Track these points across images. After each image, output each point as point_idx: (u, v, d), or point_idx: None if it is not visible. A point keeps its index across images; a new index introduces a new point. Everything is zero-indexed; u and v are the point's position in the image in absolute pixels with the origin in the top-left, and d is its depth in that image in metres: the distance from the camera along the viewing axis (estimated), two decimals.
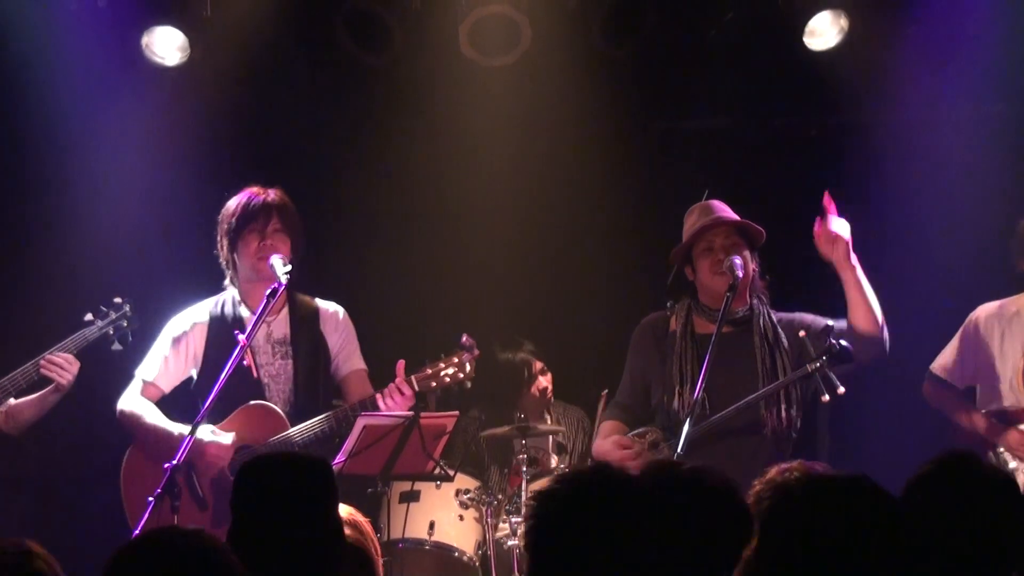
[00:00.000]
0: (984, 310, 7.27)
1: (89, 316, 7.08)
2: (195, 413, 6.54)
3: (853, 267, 6.37)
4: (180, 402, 7.00)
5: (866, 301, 6.39)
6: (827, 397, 6.34)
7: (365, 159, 8.80)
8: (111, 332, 7.08)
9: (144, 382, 6.95)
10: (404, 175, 8.81)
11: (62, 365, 6.87)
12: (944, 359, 7.32)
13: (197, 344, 6.95)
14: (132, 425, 6.88)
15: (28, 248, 8.29)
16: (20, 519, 7.62)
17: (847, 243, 6.34)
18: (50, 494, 8.27)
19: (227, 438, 6.61)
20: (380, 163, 8.81)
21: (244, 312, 6.93)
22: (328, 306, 7.05)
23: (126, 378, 7.13)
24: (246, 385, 6.76)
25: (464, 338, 6.79)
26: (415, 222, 9.00)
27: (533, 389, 8.72)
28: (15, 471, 7.47)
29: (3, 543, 4.43)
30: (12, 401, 7.05)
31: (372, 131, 8.70)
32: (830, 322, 6.50)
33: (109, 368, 7.29)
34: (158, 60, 7.78)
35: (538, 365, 8.75)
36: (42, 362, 6.88)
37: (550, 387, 8.77)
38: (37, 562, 3.89)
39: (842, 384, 6.31)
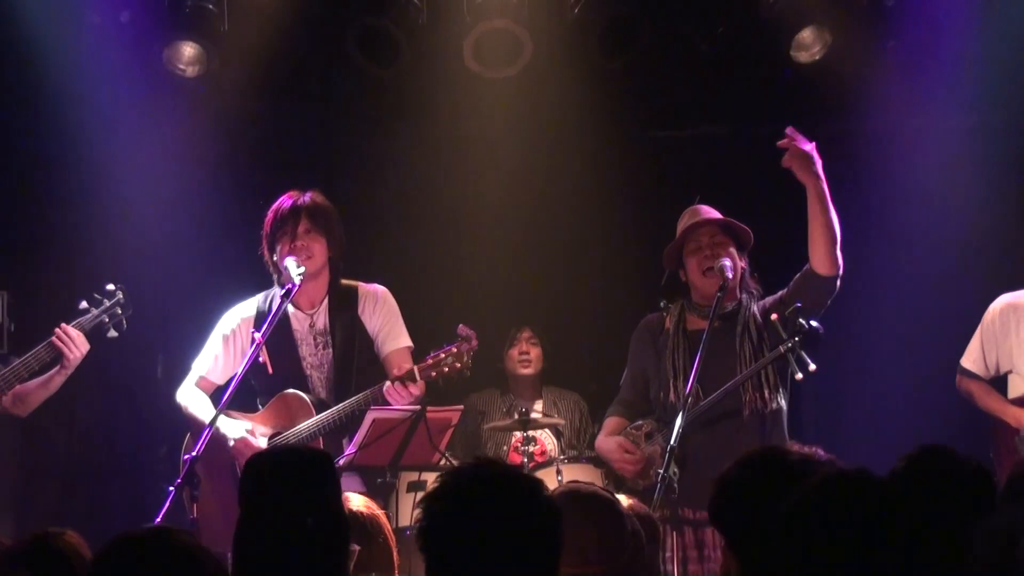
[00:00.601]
0: (1000, 302, 7.28)
1: (84, 304, 6.98)
2: (250, 399, 6.83)
3: (819, 177, 6.42)
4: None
5: (827, 211, 6.43)
6: (800, 375, 6.40)
7: (374, 163, 8.80)
8: (106, 320, 6.96)
9: (199, 376, 6.97)
10: (411, 179, 8.85)
11: (74, 340, 6.79)
12: (969, 352, 7.32)
13: (245, 338, 6.93)
14: (185, 416, 6.92)
15: (58, 252, 8.27)
16: (49, 505, 7.68)
17: (813, 156, 6.41)
18: (75, 481, 8.27)
19: (260, 441, 6.63)
20: (389, 167, 8.82)
21: (289, 308, 6.87)
22: (368, 288, 7.01)
23: (144, 367, 7.15)
24: (293, 375, 6.83)
25: (460, 328, 6.69)
26: (421, 223, 8.98)
27: (514, 352, 8.72)
28: (44, 459, 7.49)
29: (41, 531, 4.47)
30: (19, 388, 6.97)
31: (381, 137, 8.73)
32: (798, 303, 6.48)
33: (132, 358, 7.30)
34: (179, 72, 7.78)
35: (525, 333, 8.74)
36: (56, 331, 6.80)
37: (533, 357, 8.72)
38: (69, 548, 4.00)
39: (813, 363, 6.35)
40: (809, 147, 6.42)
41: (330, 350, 6.91)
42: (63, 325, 6.81)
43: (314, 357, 6.90)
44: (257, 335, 6.58)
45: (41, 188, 8.38)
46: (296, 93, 8.27)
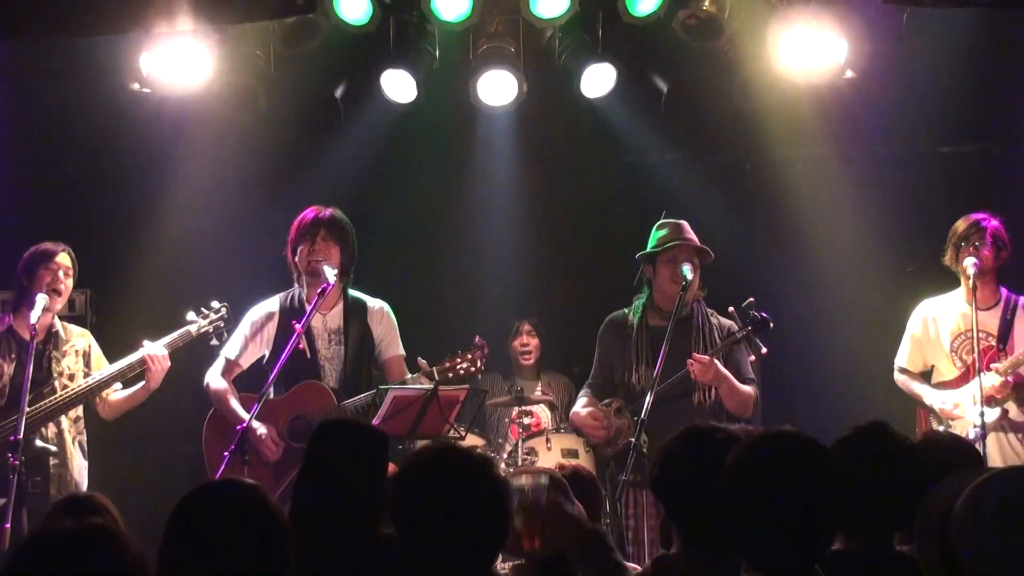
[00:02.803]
0: (923, 307, 7.24)
1: (191, 315, 7.01)
2: (260, 382, 6.65)
3: (723, 379, 6.59)
4: (252, 374, 7.00)
5: (735, 394, 6.66)
6: (754, 357, 6.57)
7: (395, 185, 8.79)
8: (211, 331, 7.00)
9: (227, 360, 6.93)
10: (425, 197, 8.81)
11: (160, 363, 6.76)
12: (902, 352, 7.27)
13: (270, 330, 6.93)
14: (211, 395, 6.90)
15: (134, 256, 8.29)
16: (124, 468, 7.71)
17: (714, 372, 6.54)
18: (147, 448, 8.32)
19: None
20: (408, 188, 8.81)
21: (307, 306, 6.84)
22: (375, 303, 7.01)
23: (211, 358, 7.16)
24: (306, 366, 6.81)
25: (477, 339, 6.83)
26: (434, 236, 9.00)
27: (516, 343, 8.83)
28: (121, 431, 7.49)
29: (74, 495, 4.47)
30: (110, 397, 6.91)
31: (398, 162, 8.72)
32: (751, 299, 6.66)
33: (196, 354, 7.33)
34: (232, 111, 7.70)
35: (526, 326, 8.85)
36: (146, 357, 6.75)
37: (532, 347, 8.84)
38: (99, 510, 3.99)
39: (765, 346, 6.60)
40: (708, 365, 6.54)
41: (342, 347, 6.89)
42: (149, 352, 6.76)
43: (327, 351, 6.88)
44: (297, 325, 6.56)
45: (120, 202, 8.42)
46: (329, 126, 8.25)
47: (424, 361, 6.77)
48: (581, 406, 7.08)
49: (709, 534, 3.47)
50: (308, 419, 6.65)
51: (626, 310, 7.02)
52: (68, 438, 6.82)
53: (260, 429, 6.61)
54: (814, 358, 8.01)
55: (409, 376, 6.77)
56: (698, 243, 6.84)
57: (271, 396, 6.69)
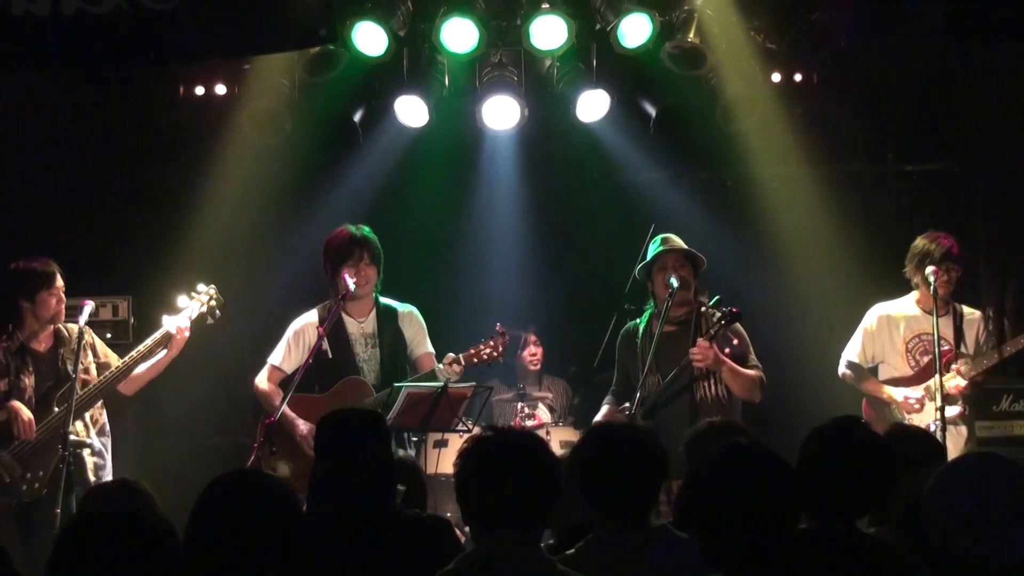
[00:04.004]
0: (876, 309, 7.31)
1: (183, 299, 6.95)
2: (308, 384, 6.79)
3: (723, 363, 6.51)
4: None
5: (737, 377, 6.57)
6: (728, 349, 6.53)
7: (406, 199, 8.69)
8: (205, 311, 6.95)
9: (272, 367, 7.01)
10: (435, 211, 8.74)
11: (183, 333, 6.74)
12: (852, 347, 7.34)
13: (310, 339, 6.94)
14: (260, 397, 7.02)
15: (172, 264, 8.10)
16: (163, 456, 7.74)
17: (713, 356, 6.47)
18: (183, 440, 8.32)
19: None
20: (418, 202, 8.68)
21: (345, 318, 6.95)
22: (404, 307, 7.05)
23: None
24: (349, 365, 6.87)
25: (498, 327, 6.88)
26: (444, 247, 8.97)
27: (525, 353, 8.83)
28: (160, 424, 7.52)
29: (115, 480, 4.49)
30: (138, 369, 6.77)
31: (411, 180, 8.63)
32: (719, 295, 6.65)
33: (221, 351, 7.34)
34: (260, 133, 7.74)
35: (532, 337, 8.85)
36: (175, 326, 6.72)
37: (539, 355, 8.84)
38: (138, 492, 4.03)
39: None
40: (706, 350, 6.47)
41: (377, 350, 6.94)
42: (177, 327, 6.74)
43: (365, 353, 6.93)
44: (320, 329, 6.76)
45: (159, 216, 8.39)
46: (349, 147, 8.27)
47: (452, 355, 6.77)
48: (603, 413, 6.99)
49: None
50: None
51: (638, 320, 6.96)
52: (93, 431, 6.81)
53: (302, 427, 6.67)
54: (786, 354, 8.01)
55: (438, 366, 6.77)
56: (685, 247, 6.82)
57: (321, 395, 6.76)
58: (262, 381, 7.02)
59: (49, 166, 8.31)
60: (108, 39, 5.90)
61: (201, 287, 7.03)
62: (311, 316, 7.05)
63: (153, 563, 2.90)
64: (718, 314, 6.52)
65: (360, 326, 6.98)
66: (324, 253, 6.95)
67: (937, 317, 6.79)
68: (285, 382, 6.96)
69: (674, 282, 6.63)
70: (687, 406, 6.55)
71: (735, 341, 6.60)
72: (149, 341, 6.78)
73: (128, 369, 6.74)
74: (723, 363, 6.52)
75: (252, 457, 6.46)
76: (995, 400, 7.27)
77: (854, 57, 7.62)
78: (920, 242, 7.10)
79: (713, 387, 6.64)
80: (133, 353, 6.75)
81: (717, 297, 6.66)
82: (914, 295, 7.21)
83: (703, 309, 6.72)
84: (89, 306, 6.67)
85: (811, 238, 8.26)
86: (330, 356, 6.88)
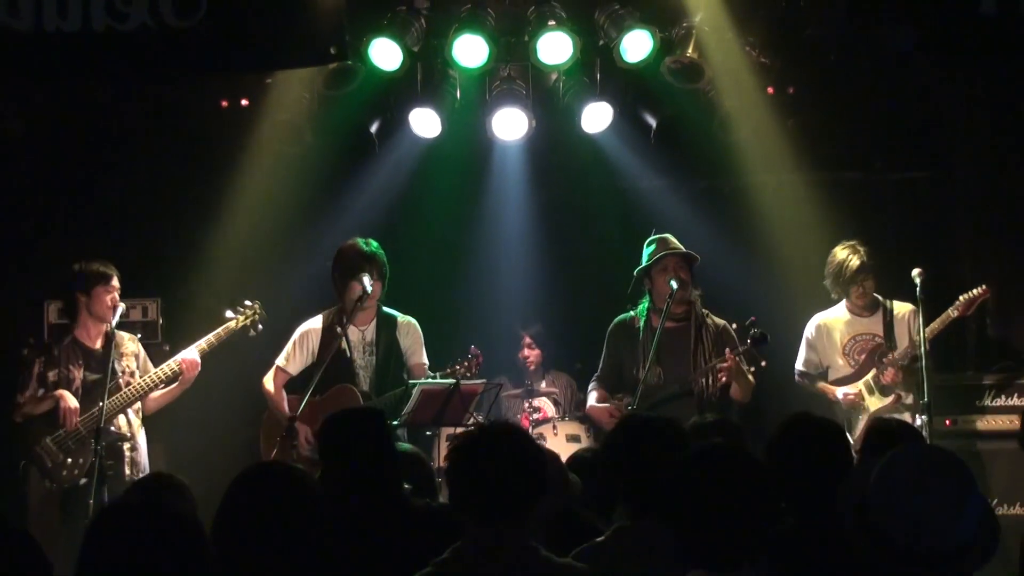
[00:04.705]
0: (814, 319, 7.50)
1: (229, 312, 7.11)
2: (301, 386, 6.85)
3: (743, 375, 6.63)
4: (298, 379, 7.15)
5: (744, 386, 6.68)
6: (754, 369, 6.63)
7: (420, 206, 8.73)
8: (248, 324, 7.12)
9: (277, 367, 7.11)
10: (447, 217, 8.78)
11: (192, 367, 6.87)
12: (800, 358, 7.51)
13: (314, 344, 7.06)
14: (265, 396, 7.11)
15: (197, 267, 8.25)
16: (192, 451, 7.76)
17: (736, 368, 6.59)
18: (209, 433, 8.34)
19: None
20: (432, 209, 8.72)
21: (348, 325, 6.99)
22: (404, 318, 7.11)
23: (259, 355, 7.33)
24: (346, 372, 6.93)
25: (472, 348, 6.94)
26: (456, 250, 8.96)
27: (520, 355, 8.88)
28: (191, 417, 7.56)
29: (154, 473, 4.50)
30: (152, 395, 6.92)
31: (425, 187, 8.62)
32: (753, 317, 6.74)
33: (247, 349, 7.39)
34: (282, 143, 7.75)
35: (527, 340, 8.89)
36: (183, 362, 6.85)
37: (532, 357, 8.87)
38: (174, 486, 4.09)
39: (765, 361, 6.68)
40: (735, 362, 6.60)
41: (374, 358, 7.00)
42: (182, 358, 6.87)
43: (362, 360, 6.98)
44: (339, 330, 6.83)
45: (186, 222, 8.40)
46: (366, 156, 8.27)
47: (428, 373, 6.89)
48: (595, 400, 7.09)
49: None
50: None
51: (632, 313, 7.04)
52: (136, 427, 6.96)
53: (300, 430, 6.68)
54: (780, 353, 8.01)
55: (428, 375, 6.87)
56: (683, 249, 6.90)
57: (318, 398, 6.77)
58: (268, 381, 7.10)
59: (85, 175, 8.33)
60: (135, 54, 5.96)
61: (247, 303, 7.16)
62: (315, 322, 7.13)
63: (177, 555, 2.88)
64: (752, 331, 6.62)
65: (361, 333, 7.02)
66: (334, 264, 7.04)
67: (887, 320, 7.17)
68: (291, 382, 7.06)
69: (674, 285, 6.71)
70: (689, 401, 6.64)
71: (763, 363, 6.69)
72: (168, 369, 6.88)
73: (151, 390, 6.87)
74: (743, 374, 6.64)
75: (274, 451, 6.53)
76: (979, 395, 7.45)
77: (843, 71, 7.62)
78: (837, 258, 7.31)
79: (711, 386, 6.72)
80: (154, 376, 6.87)
81: (752, 318, 6.74)
82: (843, 302, 7.42)
83: (703, 315, 6.86)
84: (120, 307, 6.82)
85: (803, 242, 8.24)
86: (349, 355, 6.93)
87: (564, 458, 4.73)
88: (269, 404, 7.07)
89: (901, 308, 7.32)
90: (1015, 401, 7.32)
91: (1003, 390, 7.36)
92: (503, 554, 3.38)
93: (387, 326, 7.06)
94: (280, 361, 7.10)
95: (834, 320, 7.43)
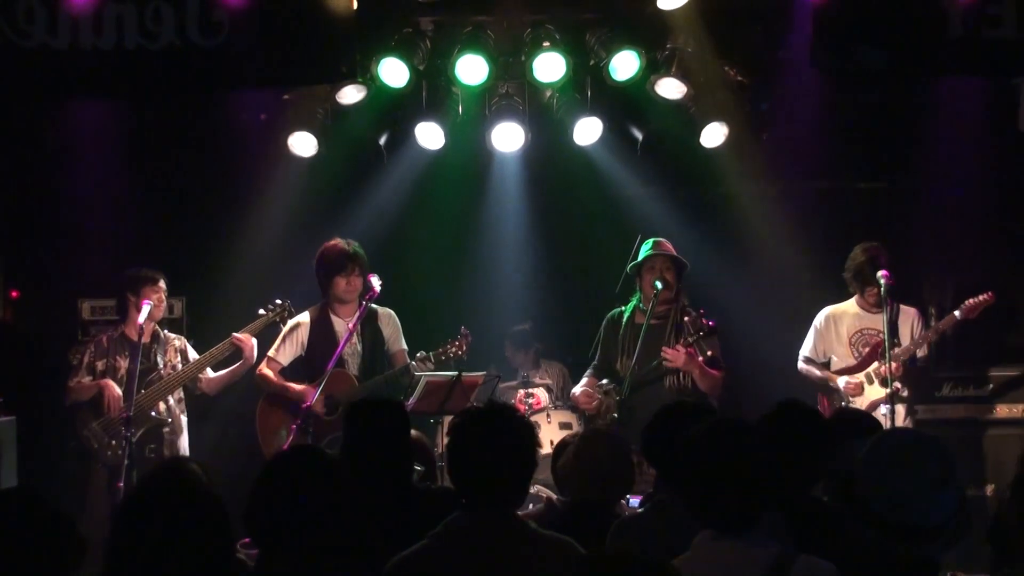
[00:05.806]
0: (824, 311, 7.51)
1: (262, 310, 7.25)
2: (301, 376, 7.05)
3: (696, 366, 6.65)
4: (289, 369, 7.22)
5: (706, 378, 6.69)
6: (701, 358, 6.67)
7: (425, 213, 8.75)
8: (277, 320, 7.24)
9: (268, 357, 7.17)
10: (450, 224, 8.82)
11: (250, 342, 7.03)
12: (806, 346, 7.52)
13: (303, 337, 7.15)
14: (260, 380, 7.15)
15: (219, 269, 8.26)
16: (211, 440, 7.78)
17: (684, 360, 6.61)
18: (235, 423, 8.34)
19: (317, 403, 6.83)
20: (436, 216, 8.77)
21: (333, 318, 7.13)
22: (384, 310, 7.20)
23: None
24: (337, 359, 6.88)
25: (463, 329, 7.05)
26: (458, 254, 8.96)
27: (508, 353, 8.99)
28: (202, 409, 7.60)
29: (167, 460, 4.47)
30: (211, 373, 7.16)
31: (430, 196, 8.63)
32: (701, 310, 6.78)
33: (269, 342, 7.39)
34: (298, 154, 7.71)
35: (508, 348, 8.98)
36: (234, 337, 7.03)
37: (518, 359, 8.95)
38: (192, 474, 4.09)
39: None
40: (677, 354, 6.64)
41: (360, 346, 7.08)
42: (236, 335, 7.03)
43: (349, 348, 7.02)
44: (348, 325, 6.93)
45: (209, 227, 8.43)
46: (375, 166, 8.27)
47: (423, 352, 6.97)
48: (580, 385, 7.17)
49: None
50: (336, 398, 6.88)
51: (623, 308, 7.11)
52: (176, 412, 7.11)
53: (298, 388, 6.91)
54: (756, 349, 8.03)
55: (411, 363, 6.98)
56: (674, 252, 6.95)
57: (306, 384, 6.92)
58: (265, 369, 7.15)
59: (115, 181, 8.30)
60: (163, 72, 5.97)
61: (278, 301, 7.29)
62: (304, 317, 7.21)
63: (201, 532, 2.91)
64: (699, 324, 6.63)
65: (346, 325, 7.05)
66: (318, 262, 7.14)
67: (886, 315, 7.02)
68: (285, 371, 7.14)
69: (658, 284, 6.77)
70: (659, 390, 6.67)
71: (709, 352, 6.74)
72: (212, 352, 7.08)
73: (195, 373, 7.07)
74: (695, 367, 6.64)
75: (291, 438, 6.54)
76: (937, 387, 7.62)
77: (815, 88, 7.64)
78: (857, 257, 7.31)
79: (680, 379, 6.77)
80: (194, 363, 7.10)
81: (700, 310, 6.76)
82: (854, 298, 7.44)
83: (684, 308, 6.87)
84: (148, 305, 6.92)
85: (778, 247, 8.28)
86: (358, 348, 7.04)
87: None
88: (268, 389, 7.08)
89: (906, 310, 7.37)
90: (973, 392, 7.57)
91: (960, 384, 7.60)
92: (493, 529, 3.35)
93: (370, 318, 7.12)
94: (272, 352, 7.18)
95: (843, 313, 7.46)
